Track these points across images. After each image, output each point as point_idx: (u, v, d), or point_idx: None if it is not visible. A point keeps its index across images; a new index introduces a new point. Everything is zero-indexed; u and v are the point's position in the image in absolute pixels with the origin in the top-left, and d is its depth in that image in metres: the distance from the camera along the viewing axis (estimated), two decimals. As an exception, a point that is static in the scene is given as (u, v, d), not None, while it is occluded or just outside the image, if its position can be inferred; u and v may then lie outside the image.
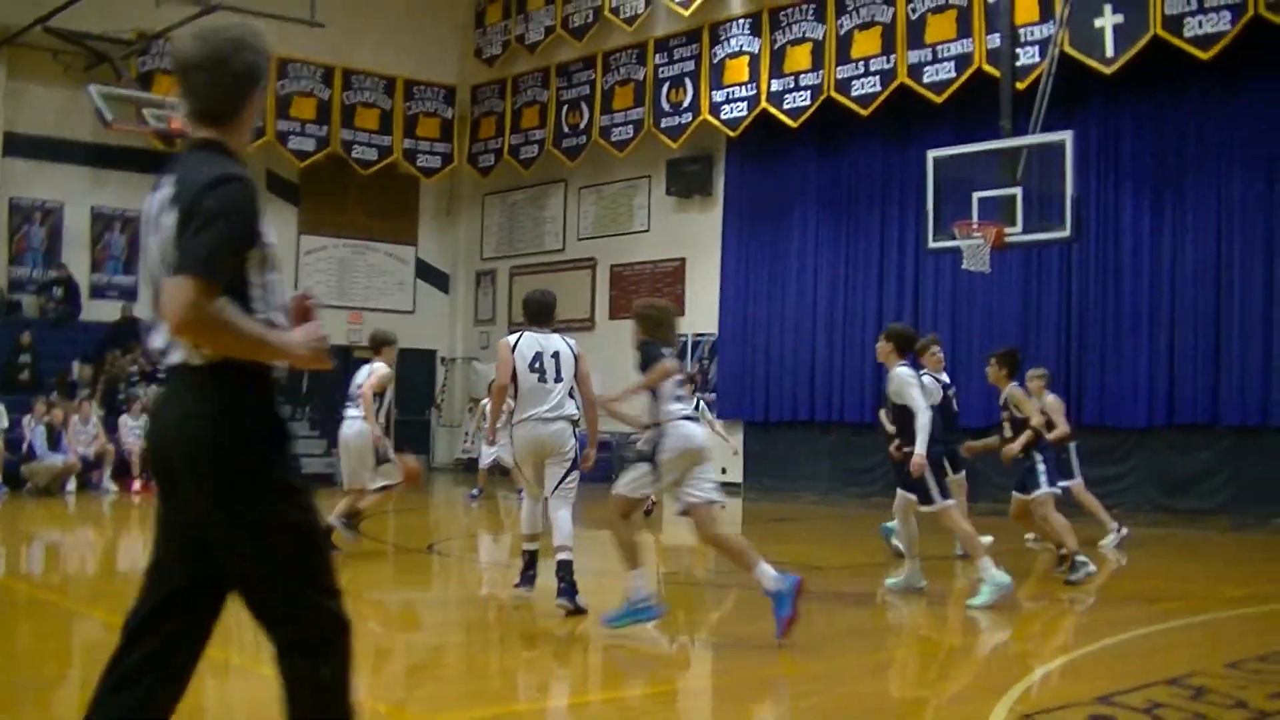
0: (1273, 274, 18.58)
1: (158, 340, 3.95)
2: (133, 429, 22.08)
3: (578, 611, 9.56)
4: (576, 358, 10.23)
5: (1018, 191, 17.55)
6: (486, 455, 20.41)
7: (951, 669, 8.57)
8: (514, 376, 10.10)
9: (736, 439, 23.66)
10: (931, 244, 18.59)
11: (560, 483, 10.09)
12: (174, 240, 3.76)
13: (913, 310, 22.29)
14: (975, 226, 17.67)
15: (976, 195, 17.92)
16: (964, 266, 18.05)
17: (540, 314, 10.40)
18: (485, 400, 19.94)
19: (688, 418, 9.10)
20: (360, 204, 29.84)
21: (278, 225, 28.31)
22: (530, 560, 10.48)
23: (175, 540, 4.02)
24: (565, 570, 9.69)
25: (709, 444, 9.23)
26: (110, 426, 22.22)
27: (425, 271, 31.25)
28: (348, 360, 26.77)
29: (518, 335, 10.29)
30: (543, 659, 8.69)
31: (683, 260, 26.56)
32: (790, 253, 24.49)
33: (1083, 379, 20.22)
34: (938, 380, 13.35)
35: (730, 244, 25.57)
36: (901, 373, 10.90)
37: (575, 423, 10.25)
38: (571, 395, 10.23)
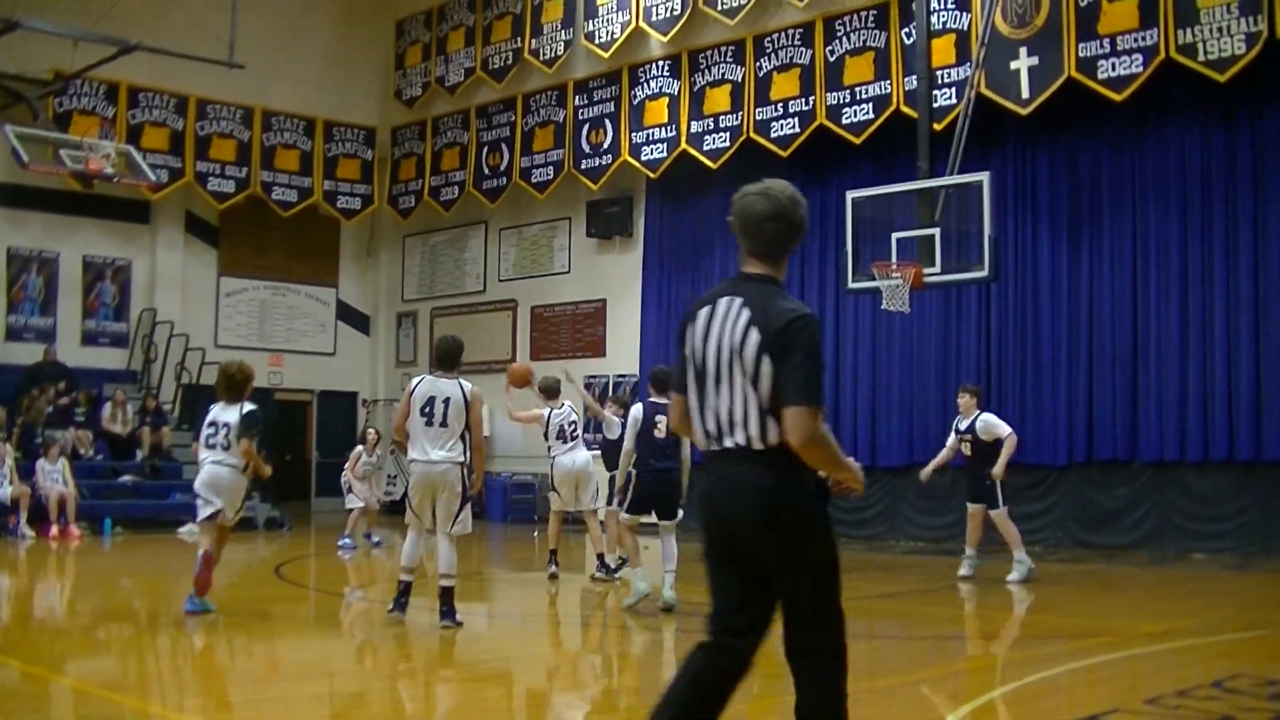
0: (1188, 311, 18.80)
1: (710, 424, 4.99)
2: (50, 473, 21.72)
3: (457, 625, 10.62)
4: (469, 403, 10.78)
5: (936, 232, 17.75)
6: (351, 500, 19.97)
7: (867, 710, 8.57)
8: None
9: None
10: (851, 284, 18.73)
11: (454, 520, 10.83)
12: (776, 367, 4.80)
13: (833, 350, 22.37)
14: (894, 267, 17.81)
15: (895, 236, 18.10)
16: (883, 307, 18.21)
17: (443, 359, 11.09)
18: (359, 447, 20.63)
19: None
20: (280, 246, 29.58)
21: (197, 267, 28.17)
22: (405, 589, 11.19)
23: (735, 585, 5.02)
24: (447, 596, 10.69)
25: None
26: (27, 470, 21.82)
27: (346, 313, 31.04)
28: (268, 403, 26.64)
29: (419, 380, 10.97)
30: (467, 703, 8.64)
31: (603, 301, 26.57)
32: (712, 293, 24.45)
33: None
34: (957, 429, 15.62)
35: (651, 285, 25.59)
36: (632, 409, 12.56)
37: (463, 465, 10.88)
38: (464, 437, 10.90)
